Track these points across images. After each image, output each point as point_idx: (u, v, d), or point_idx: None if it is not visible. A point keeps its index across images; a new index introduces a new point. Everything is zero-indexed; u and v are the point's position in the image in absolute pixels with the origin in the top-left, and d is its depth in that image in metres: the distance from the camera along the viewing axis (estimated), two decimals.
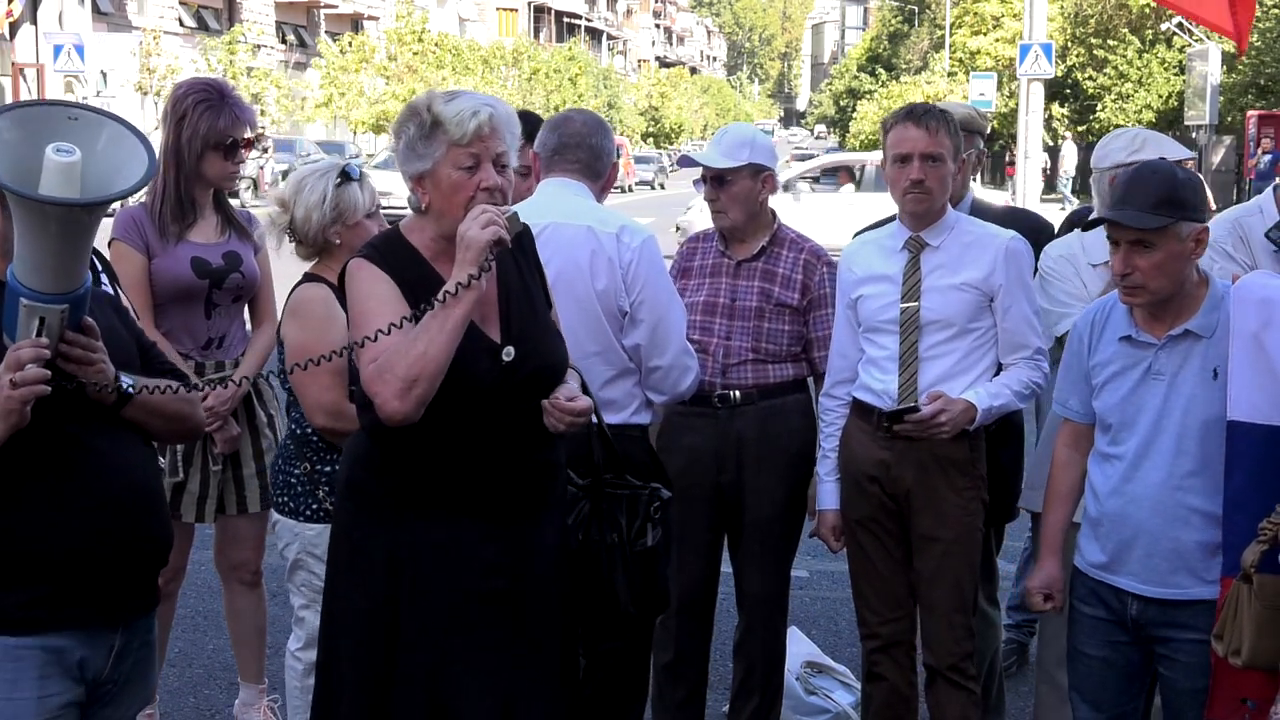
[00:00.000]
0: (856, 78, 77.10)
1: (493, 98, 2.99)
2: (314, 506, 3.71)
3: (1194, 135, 31.54)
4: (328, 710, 3.00)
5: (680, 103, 76.85)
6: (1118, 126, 13.33)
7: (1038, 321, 3.78)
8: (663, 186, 48.19)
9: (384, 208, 3.85)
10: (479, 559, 2.90)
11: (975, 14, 43.73)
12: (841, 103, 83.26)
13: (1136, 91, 35.89)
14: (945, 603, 3.75)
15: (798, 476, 4.08)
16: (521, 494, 2.95)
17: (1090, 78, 36.93)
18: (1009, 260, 3.71)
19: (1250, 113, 30.45)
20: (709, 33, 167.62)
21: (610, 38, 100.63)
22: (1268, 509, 2.92)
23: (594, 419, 3.13)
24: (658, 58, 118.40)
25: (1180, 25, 33.05)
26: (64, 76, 31.05)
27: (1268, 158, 27.25)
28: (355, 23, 53.67)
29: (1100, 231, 3.90)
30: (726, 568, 4.23)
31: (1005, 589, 5.13)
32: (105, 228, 3.97)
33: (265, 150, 30.59)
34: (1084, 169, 26.01)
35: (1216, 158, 31.08)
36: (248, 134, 4.16)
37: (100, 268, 3.37)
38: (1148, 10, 35.33)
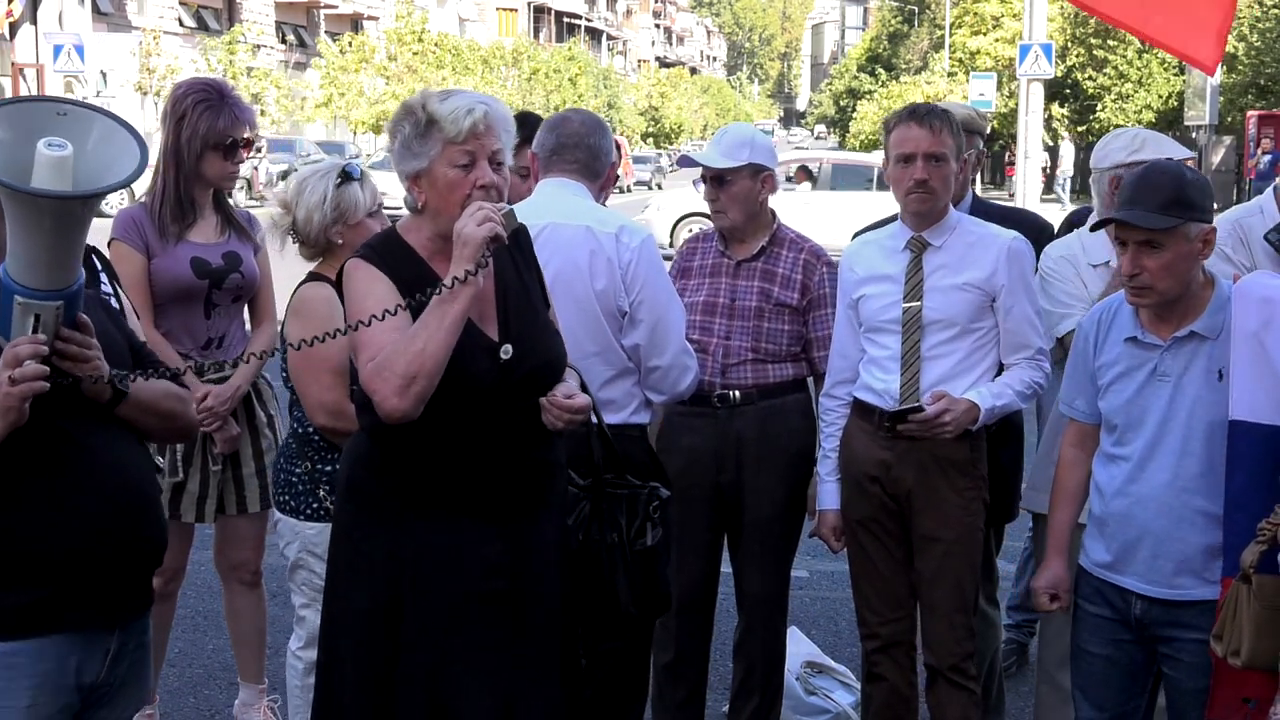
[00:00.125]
0: (856, 78, 77.10)
1: (488, 96, 2.99)
2: (314, 505, 3.72)
3: (1194, 135, 31.53)
4: (329, 711, 3.00)
5: (680, 103, 76.85)
6: (1118, 126, 13.33)
7: (1040, 322, 3.78)
8: (659, 187, 48.18)
9: (385, 207, 3.85)
10: (479, 559, 2.90)
11: (975, 14, 43.73)
12: (841, 103, 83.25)
13: (1136, 91, 35.90)
14: (946, 603, 3.75)
15: (797, 476, 4.08)
16: (521, 493, 2.95)
17: (1090, 78, 36.93)
18: (1011, 260, 3.71)
19: (1250, 113, 30.47)
20: (709, 33, 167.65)
21: (610, 38, 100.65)
22: (1268, 509, 2.92)
23: (594, 419, 3.14)
24: (658, 58, 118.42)
25: None
26: (64, 77, 31.05)
27: (1268, 158, 27.26)
28: (355, 23, 53.70)
29: (1100, 232, 3.92)
30: (726, 568, 4.22)
31: (1005, 589, 5.13)
32: (105, 228, 4.00)
33: (259, 151, 30.57)
34: (1083, 169, 26.04)
35: (1216, 158, 31.09)
36: (247, 134, 4.17)
37: (100, 266, 3.36)
38: None
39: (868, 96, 63.05)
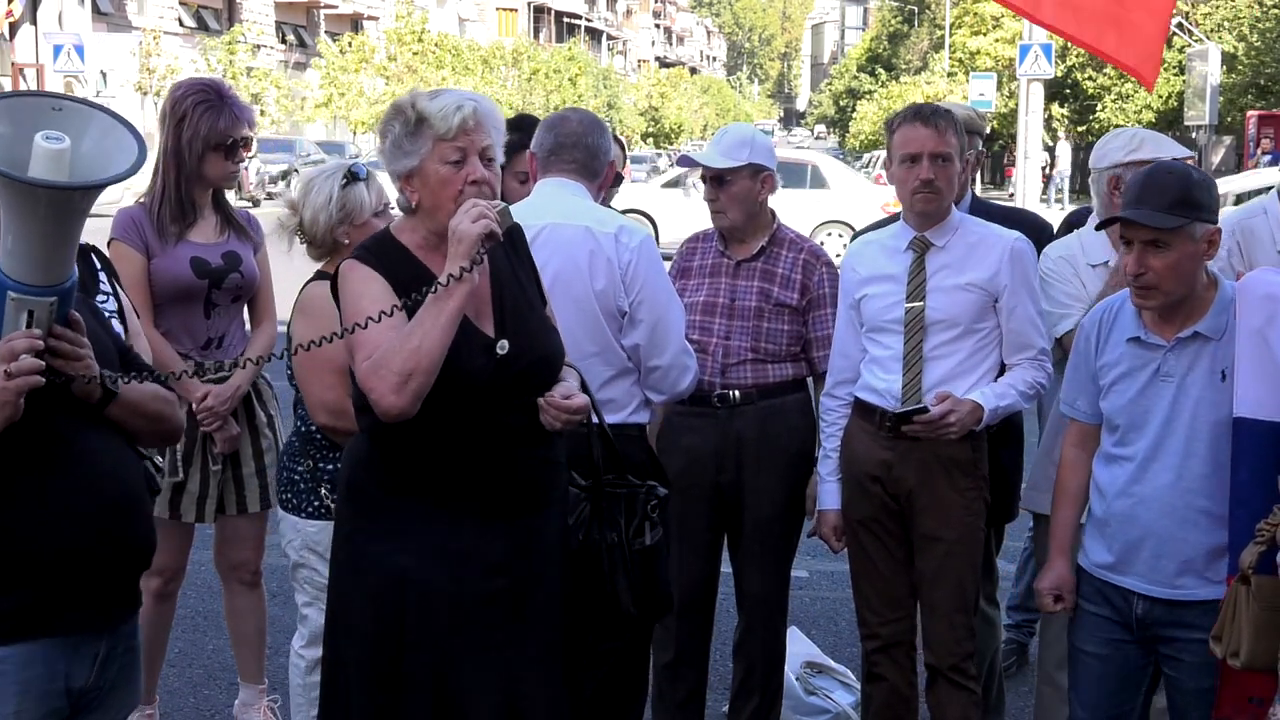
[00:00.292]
0: (856, 78, 77.12)
1: (477, 94, 3.01)
2: (316, 504, 3.73)
3: (1194, 135, 31.53)
4: (335, 713, 3.00)
5: (680, 103, 76.77)
6: (1117, 126, 13.34)
7: (1042, 322, 3.78)
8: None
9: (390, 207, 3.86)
10: (481, 559, 2.90)
11: (975, 14, 43.71)
12: (841, 103, 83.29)
13: (1136, 91, 35.86)
14: (947, 603, 3.75)
15: (797, 476, 4.08)
16: (522, 492, 2.95)
17: (1090, 78, 36.91)
18: (1014, 261, 3.71)
19: (1250, 113, 30.46)
20: (709, 33, 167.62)
21: (610, 38, 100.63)
22: (1271, 505, 2.91)
23: (595, 418, 3.14)
24: (657, 58, 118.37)
25: (1180, 25, 33.03)
26: (64, 76, 31.04)
27: (1267, 158, 27.25)
28: (355, 23, 53.69)
29: (1100, 232, 3.91)
30: (726, 568, 4.22)
31: (1005, 589, 5.13)
32: (105, 228, 4.00)
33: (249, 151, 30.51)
34: (1083, 169, 26.01)
35: (1216, 158, 31.09)
36: (246, 133, 4.17)
37: (99, 265, 3.36)
38: None
39: (868, 96, 63.07)
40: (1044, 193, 32.68)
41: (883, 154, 28.43)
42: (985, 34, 42.22)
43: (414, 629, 2.90)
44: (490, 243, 2.81)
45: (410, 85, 39.27)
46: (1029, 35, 26.59)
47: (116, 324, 3.28)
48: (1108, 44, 4.90)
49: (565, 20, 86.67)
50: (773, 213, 4.16)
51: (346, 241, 3.66)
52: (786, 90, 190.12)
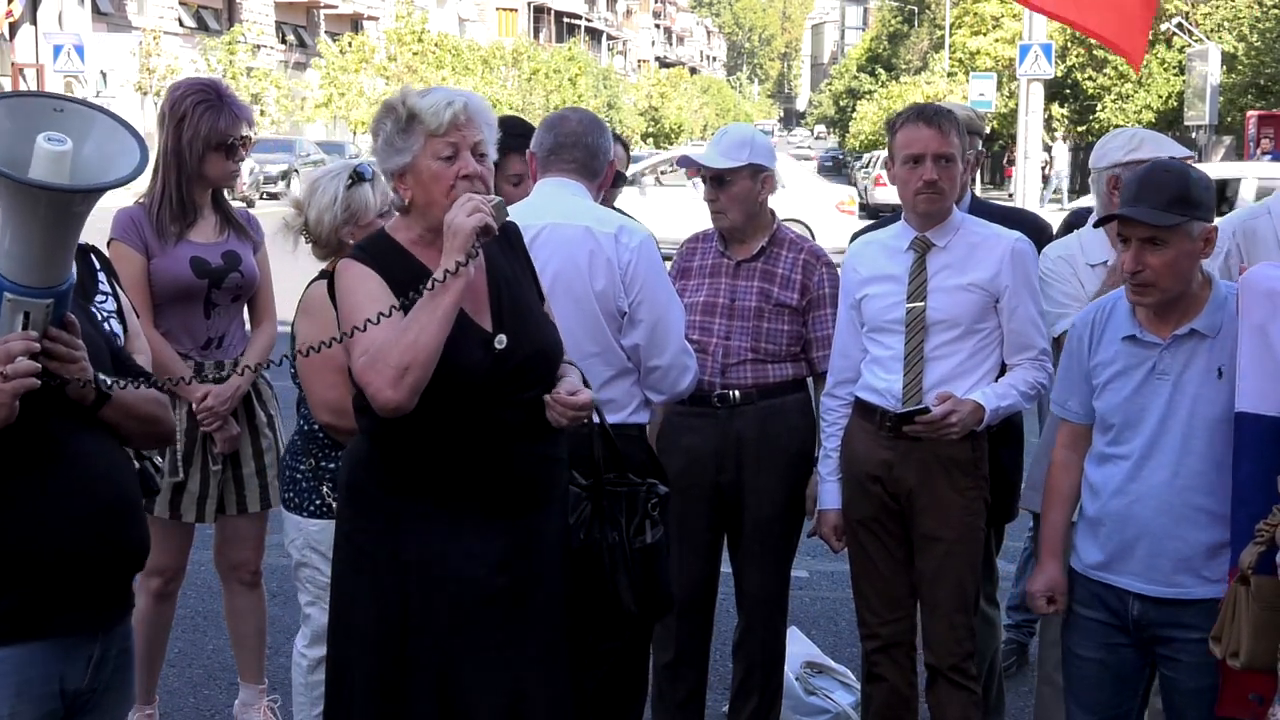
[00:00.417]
0: (856, 78, 77.06)
1: (468, 91, 3.02)
2: (317, 502, 3.73)
3: (1194, 135, 31.53)
4: (339, 714, 3.00)
5: (680, 103, 76.75)
6: (1117, 127, 13.34)
7: (1043, 322, 3.78)
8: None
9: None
10: (483, 557, 2.91)
11: (975, 14, 43.69)
12: (841, 103, 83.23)
13: (1136, 92, 35.86)
14: (947, 603, 3.75)
15: (797, 476, 4.08)
16: (522, 490, 2.95)
17: (1090, 78, 36.89)
18: (1015, 261, 3.72)
19: (1250, 113, 30.44)
20: (709, 33, 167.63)
21: (610, 38, 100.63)
22: (1273, 501, 2.91)
23: (596, 418, 3.14)
24: (657, 58, 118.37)
25: (1180, 26, 33.05)
26: (64, 77, 31.06)
27: (1267, 158, 27.25)
28: (355, 23, 53.70)
29: (1099, 232, 3.92)
30: (726, 568, 4.22)
31: (1005, 589, 5.13)
32: (104, 229, 4.00)
33: None
34: (1083, 169, 25.98)
35: (1216, 158, 31.07)
36: (246, 132, 4.17)
37: (99, 266, 3.36)
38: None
39: (868, 97, 63.03)
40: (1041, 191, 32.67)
41: (883, 154, 28.42)
42: (985, 34, 42.20)
43: (416, 629, 2.90)
44: (486, 237, 2.81)
45: (410, 85, 39.32)
46: (1029, 35, 26.57)
47: (115, 324, 3.28)
48: (1092, 21, 4.95)
49: (565, 20, 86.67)
50: (773, 213, 4.16)
51: (351, 241, 3.66)
52: (786, 90, 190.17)
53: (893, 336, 3.73)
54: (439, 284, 2.75)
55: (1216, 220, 3.23)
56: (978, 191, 6.05)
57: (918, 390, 3.69)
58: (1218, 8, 33.54)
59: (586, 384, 3.09)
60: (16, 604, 2.45)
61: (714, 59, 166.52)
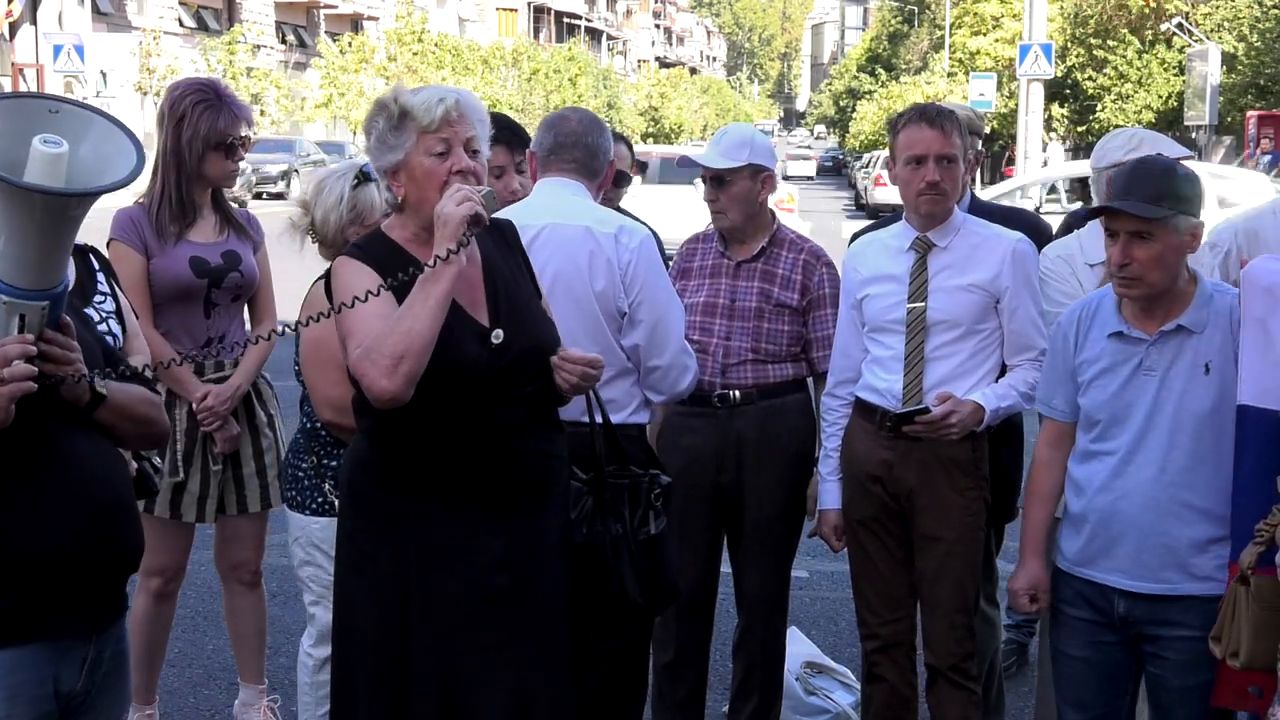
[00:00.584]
0: (856, 78, 77.07)
1: (460, 89, 3.03)
2: (319, 500, 3.74)
3: (1194, 135, 31.55)
4: (344, 715, 3.01)
5: (680, 103, 76.78)
6: (1117, 127, 13.35)
7: (1043, 323, 3.78)
8: None
9: None
10: (483, 556, 2.91)
11: (975, 14, 43.71)
12: (841, 103, 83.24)
13: (1136, 92, 35.87)
14: (947, 603, 3.75)
15: (797, 476, 4.08)
16: (521, 487, 2.95)
17: (1090, 78, 36.90)
18: (1016, 262, 3.72)
19: (1250, 113, 30.46)
20: (709, 33, 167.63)
21: (610, 38, 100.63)
22: (1273, 498, 2.91)
23: (598, 418, 3.14)
24: (657, 58, 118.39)
25: (1180, 26, 33.05)
26: (64, 77, 31.07)
27: (1267, 158, 27.26)
28: (355, 23, 53.69)
29: (1098, 232, 3.91)
30: (726, 568, 4.23)
31: (1005, 589, 5.12)
32: (104, 229, 4.00)
33: None
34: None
35: (1216, 158, 31.07)
36: (245, 131, 4.17)
37: (98, 266, 3.36)
38: (1147, 11, 35.35)
39: (868, 97, 63.04)
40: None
41: (883, 154, 28.44)
42: (985, 34, 42.23)
43: (417, 629, 2.90)
44: (476, 226, 2.82)
45: (410, 85, 39.33)
46: (1029, 35, 26.57)
47: (114, 324, 3.28)
48: None
49: (565, 20, 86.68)
50: (773, 213, 4.16)
51: None
52: (786, 90, 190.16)
53: (893, 337, 3.73)
54: (430, 270, 2.76)
55: (1218, 221, 3.24)
56: (977, 191, 6.04)
57: (918, 390, 3.69)
58: (1218, 8, 33.54)
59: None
60: (11, 606, 2.44)
61: (714, 59, 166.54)
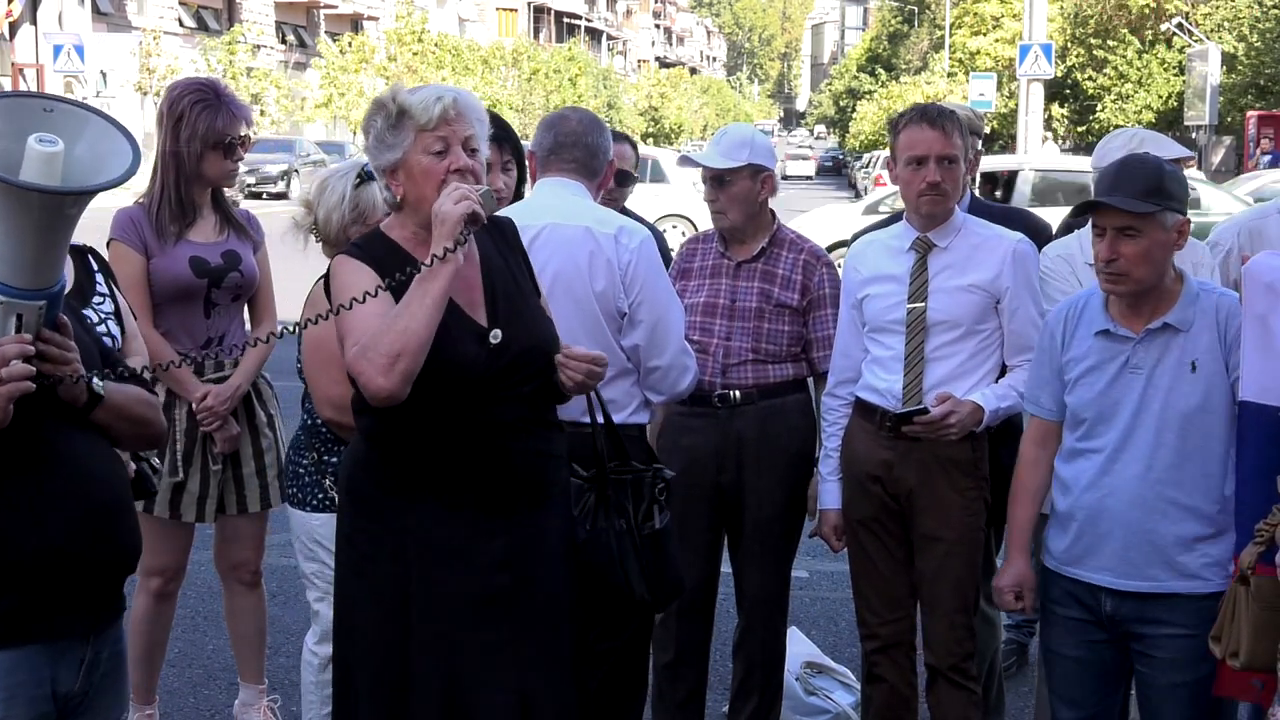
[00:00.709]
0: (856, 78, 77.14)
1: (458, 88, 3.02)
2: (320, 496, 3.74)
3: (1194, 135, 31.56)
4: (346, 715, 3.01)
5: (680, 103, 76.80)
6: (1117, 127, 13.35)
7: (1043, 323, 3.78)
8: None
9: None
10: (483, 555, 2.91)
11: (975, 14, 43.74)
12: (841, 103, 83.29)
13: (1136, 92, 35.90)
14: (947, 603, 3.75)
15: (798, 476, 4.08)
16: (520, 487, 2.95)
17: (1090, 78, 36.94)
18: (1016, 262, 3.72)
19: (1250, 113, 30.48)
20: (709, 33, 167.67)
21: (610, 38, 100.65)
22: (1273, 495, 2.91)
23: (599, 417, 3.14)
24: (657, 58, 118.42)
25: (1180, 26, 33.06)
26: (64, 77, 31.08)
27: (1267, 158, 27.27)
28: (355, 23, 53.72)
29: None
30: (726, 568, 4.23)
31: None
32: (104, 229, 4.00)
33: None
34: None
35: (1216, 158, 31.10)
36: (244, 131, 4.17)
37: (97, 268, 3.36)
38: (1147, 11, 35.36)
39: (868, 97, 63.08)
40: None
41: (883, 154, 28.44)
42: (985, 34, 42.26)
43: (418, 629, 2.90)
44: (474, 224, 2.82)
45: (410, 85, 39.34)
46: (1029, 35, 26.59)
47: (113, 325, 3.28)
48: None
49: (565, 20, 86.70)
50: (773, 213, 4.16)
51: None
52: (786, 90, 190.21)
53: (893, 337, 3.74)
54: (427, 269, 2.75)
55: (1220, 221, 3.24)
56: (976, 191, 6.03)
57: (918, 391, 3.69)
58: (1218, 8, 33.56)
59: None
60: (7, 607, 2.43)
61: (714, 59, 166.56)
